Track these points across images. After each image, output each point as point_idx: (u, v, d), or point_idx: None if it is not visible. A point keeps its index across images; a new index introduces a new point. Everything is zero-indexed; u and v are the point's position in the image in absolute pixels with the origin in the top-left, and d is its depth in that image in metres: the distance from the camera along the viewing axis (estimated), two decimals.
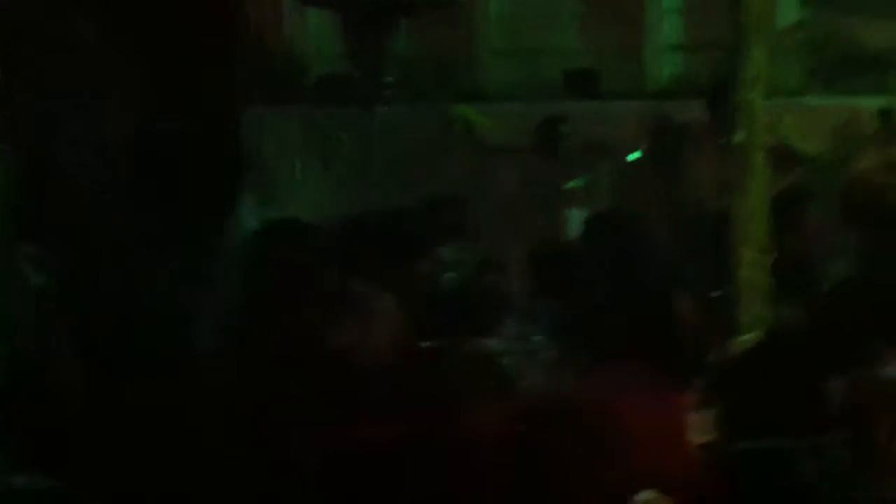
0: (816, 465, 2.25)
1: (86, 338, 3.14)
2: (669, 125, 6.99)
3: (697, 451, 2.95)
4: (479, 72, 8.05)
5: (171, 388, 3.26)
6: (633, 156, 6.79)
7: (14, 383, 3.11)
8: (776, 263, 3.07)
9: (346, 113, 6.59)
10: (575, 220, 6.06)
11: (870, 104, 7.42)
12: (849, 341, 3.13)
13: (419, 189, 5.87)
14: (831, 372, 2.46)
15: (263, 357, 3.49)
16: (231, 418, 3.08)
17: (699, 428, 3.42)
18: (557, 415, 3.50)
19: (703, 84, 6.85)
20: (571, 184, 4.88)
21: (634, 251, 4.45)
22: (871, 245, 4.81)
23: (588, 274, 4.44)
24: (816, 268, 4.90)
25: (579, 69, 7.91)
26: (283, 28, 7.85)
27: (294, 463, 3.06)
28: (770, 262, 2.80)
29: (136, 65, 4.99)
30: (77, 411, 3.02)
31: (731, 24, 3.06)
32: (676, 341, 4.09)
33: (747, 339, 2.96)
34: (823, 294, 3.86)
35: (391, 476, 3.31)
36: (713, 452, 2.69)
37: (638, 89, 7.90)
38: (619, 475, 3.00)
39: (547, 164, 6.47)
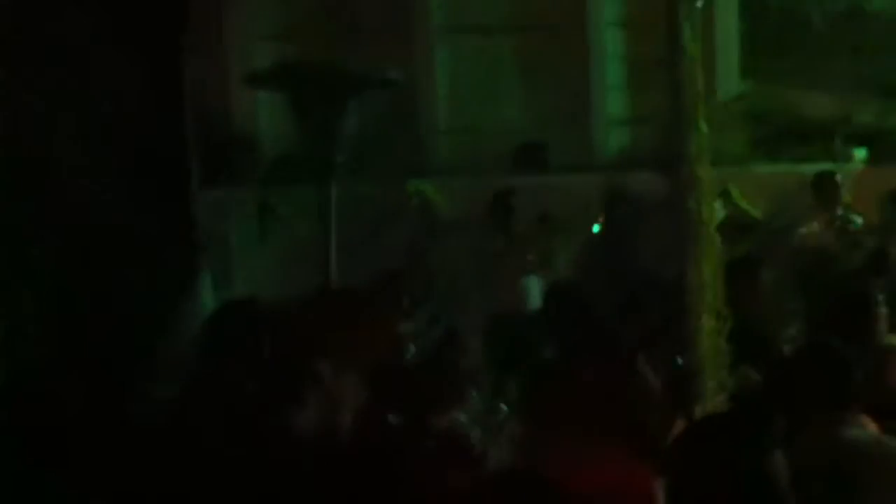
0: None
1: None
2: (621, 197, 7.12)
3: None
4: (430, 148, 8.15)
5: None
6: (596, 228, 6.89)
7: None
8: (733, 330, 3.13)
9: (299, 192, 6.62)
10: (533, 291, 6.12)
11: (812, 171, 7.60)
12: (802, 405, 3.18)
13: (376, 264, 5.90)
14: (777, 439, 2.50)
15: (221, 438, 3.47)
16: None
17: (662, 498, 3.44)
18: (523, 488, 3.51)
19: (650, 156, 7.00)
20: None
21: (595, 321, 4.50)
22: (820, 308, 4.90)
23: (548, 344, 4.48)
24: (771, 332, 4.98)
25: (528, 143, 8.03)
26: (233, 109, 7.91)
27: None
28: (727, 329, 2.86)
29: (88, 151, 5.02)
30: None
31: (673, 102, 3.13)
32: (641, 412, 4.12)
33: (710, 406, 3.00)
34: (777, 359, 3.92)
35: None
36: None
37: (587, 162, 8.04)
38: None
39: (500, 236, 6.55)
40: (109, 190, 4.99)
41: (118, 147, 5.08)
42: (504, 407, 3.69)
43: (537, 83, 8.27)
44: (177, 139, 5.42)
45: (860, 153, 8.22)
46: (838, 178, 7.29)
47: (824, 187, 7.19)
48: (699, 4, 2.86)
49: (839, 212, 7.12)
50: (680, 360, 2.84)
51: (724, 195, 7.27)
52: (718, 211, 6.68)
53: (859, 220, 7.08)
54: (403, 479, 3.35)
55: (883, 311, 4.30)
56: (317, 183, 6.17)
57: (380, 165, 7.42)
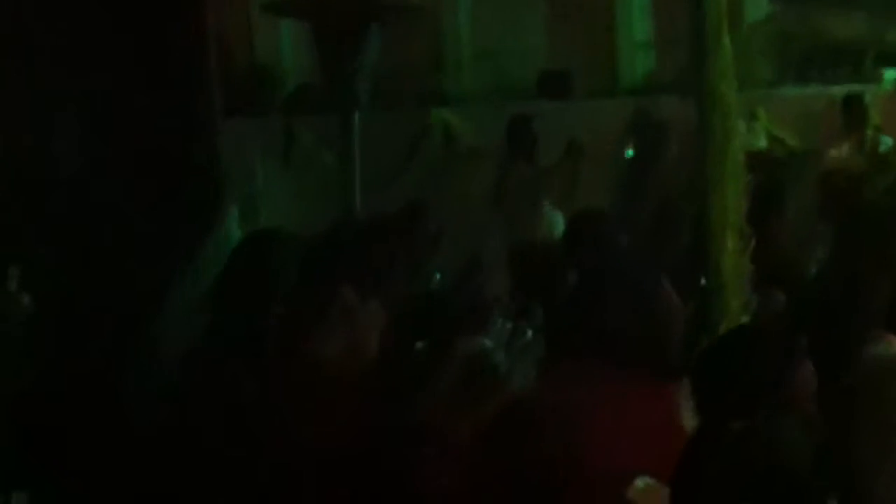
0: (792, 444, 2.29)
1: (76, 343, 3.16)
2: (648, 121, 7.06)
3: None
4: (452, 76, 8.09)
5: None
6: (629, 153, 6.84)
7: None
8: (756, 251, 3.11)
9: (322, 122, 6.60)
10: (558, 218, 6.09)
11: (841, 93, 7.51)
12: (827, 327, 3.17)
13: (400, 192, 5.89)
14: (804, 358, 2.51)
15: (256, 367, 3.51)
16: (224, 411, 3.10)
17: (689, 415, 3.46)
18: (548, 411, 3.53)
19: (676, 80, 6.92)
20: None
21: (616, 247, 4.49)
22: (847, 233, 4.86)
23: (571, 273, 4.47)
24: (796, 256, 4.95)
25: (552, 70, 7.95)
26: (255, 40, 7.87)
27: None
28: (751, 249, 2.84)
29: (110, 81, 5.01)
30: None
31: (698, 20, 3.08)
32: (664, 333, 4.13)
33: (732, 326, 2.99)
34: (804, 282, 3.90)
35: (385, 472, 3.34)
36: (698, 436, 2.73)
37: (612, 88, 7.96)
38: (612, 467, 3.03)
39: (522, 164, 6.50)
40: (132, 120, 5.00)
41: (141, 78, 5.07)
42: (529, 331, 3.70)
43: (561, 7, 8.16)
44: (199, 69, 5.40)
45: (890, 74, 8.10)
46: (867, 99, 7.20)
47: (853, 109, 7.12)
48: None
49: (869, 133, 7.05)
50: (704, 281, 2.83)
51: (753, 118, 7.21)
52: (752, 135, 6.64)
53: (889, 141, 7.01)
54: (427, 405, 3.38)
55: None
56: (340, 111, 6.14)
57: (403, 93, 7.38)
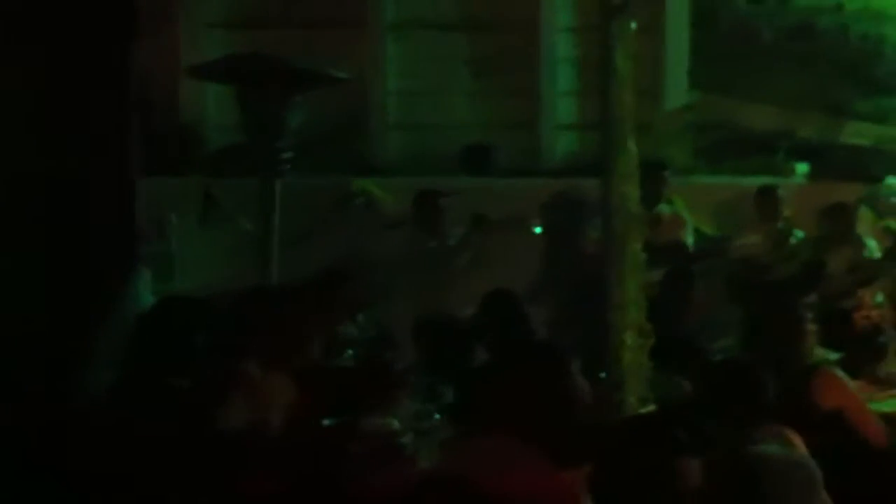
0: None
1: None
2: (562, 202, 7.16)
3: None
4: (375, 145, 8.13)
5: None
6: (538, 229, 6.92)
7: None
8: (663, 340, 3.17)
9: (242, 185, 6.59)
10: (464, 293, 6.10)
11: (754, 183, 7.71)
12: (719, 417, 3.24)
13: (319, 260, 5.88)
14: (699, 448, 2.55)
15: (155, 438, 3.45)
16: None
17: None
18: (449, 492, 3.53)
19: (596, 162, 7.03)
20: None
21: (527, 328, 4.54)
22: (755, 321, 4.98)
23: (481, 348, 4.50)
24: (701, 344, 5.05)
25: (476, 145, 8.04)
26: (180, 100, 7.84)
27: None
28: (649, 346, 2.90)
29: (29, 133, 4.96)
30: None
31: (604, 120, 3.14)
32: (570, 417, 4.16)
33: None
34: (707, 368, 3.96)
35: None
36: None
37: (533, 167, 8.07)
38: None
39: (430, 237, 6.55)
40: (49, 175, 4.94)
41: (59, 131, 5.02)
42: (435, 412, 3.71)
43: (487, 84, 8.28)
44: (120, 126, 5.37)
45: (802, 168, 8.35)
46: (779, 192, 7.40)
47: (765, 200, 7.30)
48: (633, 26, 2.88)
49: (779, 225, 7.24)
50: (603, 374, 2.87)
51: (669, 204, 7.37)
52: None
53: (800, 233, 7.20)
54: (333, 480, 3.36)
55: (811, 327, 4.38)
56: (261, 176, 6.14)
57: (326, 161, 7.41)
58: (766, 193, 7.37)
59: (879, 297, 5.95)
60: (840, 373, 4.30)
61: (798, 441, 3.71)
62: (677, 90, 8.30)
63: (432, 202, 6.64)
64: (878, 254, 7.02)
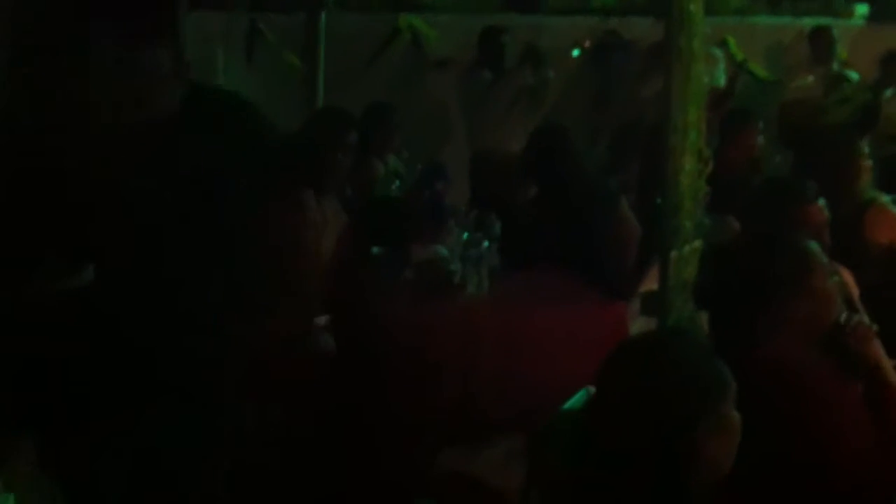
0: None
1: None
2: (617, 41, 7.03)
3: None
4: None
5: None
6: (575, 52, 6.81)
7: None
8: (714, 174, 3.13)
9: (288, 21, 6.50)
10: (520, 130, 6.06)
11: (810, 25, 7.51)
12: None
13: (365, 97, 5.84)
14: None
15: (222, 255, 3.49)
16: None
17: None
18: (500, 323, 3.58)
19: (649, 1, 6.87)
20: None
21: (578, 165, 4.49)
22: (806, 163, 4.91)
23: (531, 183, 4.49)
24: (753, 182, 4.99)
25: None
26: None
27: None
28: (707, 172, 2.86)
29: None
30: None
31: None
32: (618, 253, 4.18)
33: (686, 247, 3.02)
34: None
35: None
36: None
37: (583, 5, 7.88)
38: (559, 377, 3.08)
39: (489, 73, 6.46)
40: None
41: None
42: (485, 242, 3.73)
43: None
44: None
45: (861, 9, 8.10)
46: (835, 33, 7.22)
47: (820, 42, 7.14)
48: None
49: (835, 67, 7.08)
50: (660, 200, 2.85)
51: (723, 45, 7.20)
52: (716, 68, 6.63)
53: (855, 76, 7.04)
54: (383, 307, 3.41)
55: (867, 164, 4.32)
56: (306, 11, 6.05)
57: None
58: (821, 34, 7.19)
59: None
60: (894, 209, 4.25)
61: (847, 274, 3.69)
62: None
63: (496, 39, 6.51)
64: None
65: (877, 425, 2.46)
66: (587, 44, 6.91)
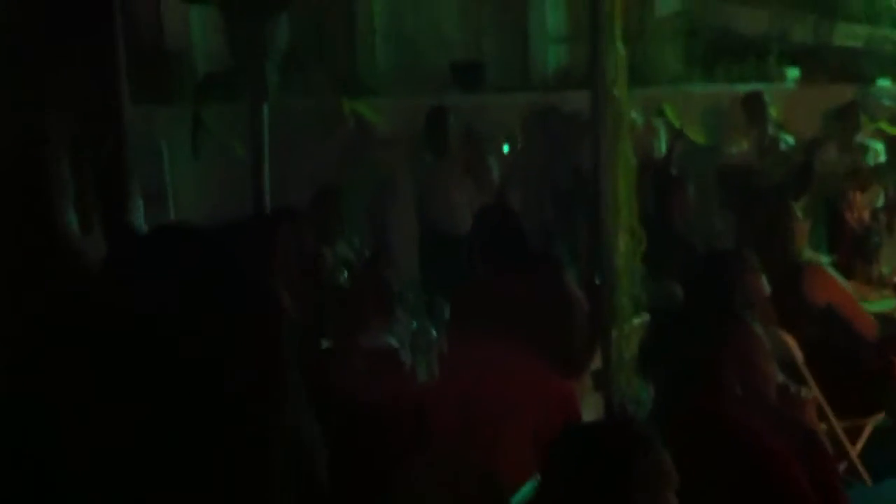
0: None
1: None
2: (554, 115, 7.14)
3: None
4: (365, 62, 8.05)
5: None
6: (506, 148, 6.92)
7: None
8: (655, 244, 3.18)
9: (231, 111, 6.55)
10: (465, 209, 6.11)
11: (745, 90, 7.68)
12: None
13: (310, 182, 5.88)
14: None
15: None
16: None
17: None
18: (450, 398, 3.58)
19: (585, 74, 6.98)
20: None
21: (522, 241, 4.54)
22: (744, 224, 5.01)
23: (477, 263, 4.52)
24: (691, 247, 5.07)
25: (465, 62, 7.98)
26: (165, 26, 7.74)
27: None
28: (642, 250, 2.91)
29: (15, 67, 4.89)
30: None
31: (593, 21, 3.11)
32: (566, 326, 4.20)
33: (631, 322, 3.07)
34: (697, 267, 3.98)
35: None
36: None
37: (524, 81, 8.02)
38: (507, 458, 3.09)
39: (433, 153, 6.53)
40: (35, 105, 4.88)
41: (45, 61, 4.96)
42: (433, 329, 3.74)
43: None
44: (107, 54, 5.30)
45: (793, 73, 8.31)
46: (767, 97, 7.39)
47: (752, 106, 7.30)
48: None
49: (769, 130, 7.23)
50: (598, 278, 2.90)
51: (660, 113, 7.35)
52: (654, 135, 6.76)
53: (790, 138, 7.20)
54: (333, 397, 3.41)
55: (803, 225, 4.41)
56: (250, 100, 6.09)
57: (314, 82, 7.35)
58: (753, 99, 7.36)
59: (880, 201, 5.97)
60: (831, 269, 4.34)
61: (790, 339, 3.75)
62: None
63: (443, 119, 6.59)
64: (883, 157, 7.03)
65: (812, 484, 2.53)
66: (519, 140, 7.01)
